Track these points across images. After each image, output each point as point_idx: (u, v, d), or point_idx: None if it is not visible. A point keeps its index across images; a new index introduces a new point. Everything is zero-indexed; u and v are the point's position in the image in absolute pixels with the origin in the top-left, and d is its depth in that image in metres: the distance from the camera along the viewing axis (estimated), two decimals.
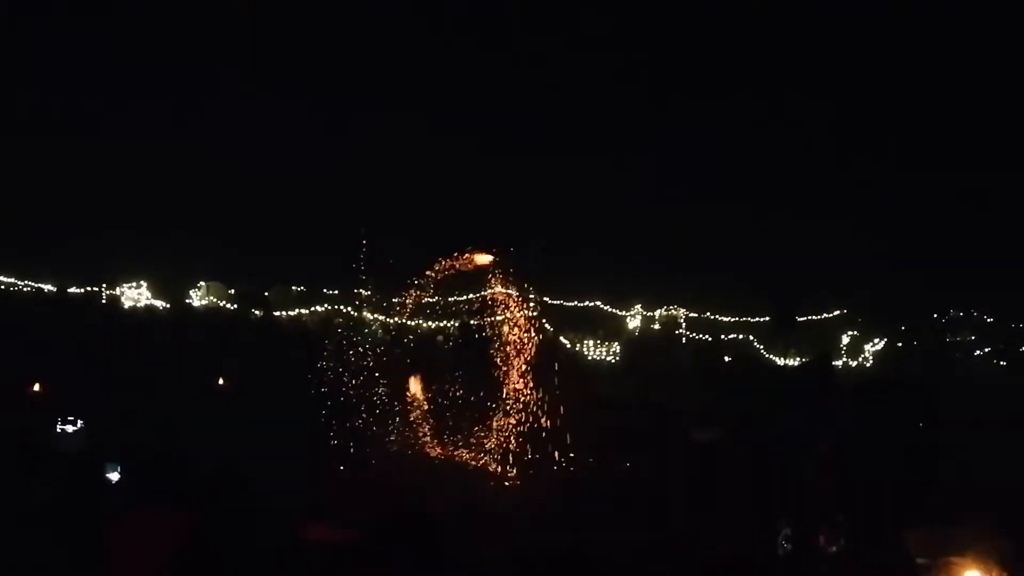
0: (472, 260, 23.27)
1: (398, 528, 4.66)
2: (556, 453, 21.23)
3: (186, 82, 50.29)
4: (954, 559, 8.17)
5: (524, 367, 22.15)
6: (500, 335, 22.55)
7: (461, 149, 54.18)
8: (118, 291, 48.00)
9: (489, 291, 23.17)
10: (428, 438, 21.28)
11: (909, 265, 50.30)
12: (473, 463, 21.07)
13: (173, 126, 47.99)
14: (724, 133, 57.70)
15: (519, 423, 21.67)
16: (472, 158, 54.43)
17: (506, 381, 22.14)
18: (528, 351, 22.67)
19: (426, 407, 21.54)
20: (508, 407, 21.98)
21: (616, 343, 54.20)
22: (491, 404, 21.92)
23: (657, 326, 56.05)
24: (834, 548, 11.71)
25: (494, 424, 21.61)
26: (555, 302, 53.25)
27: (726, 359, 51.29)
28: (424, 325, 22.46)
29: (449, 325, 22.94)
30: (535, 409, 21.69)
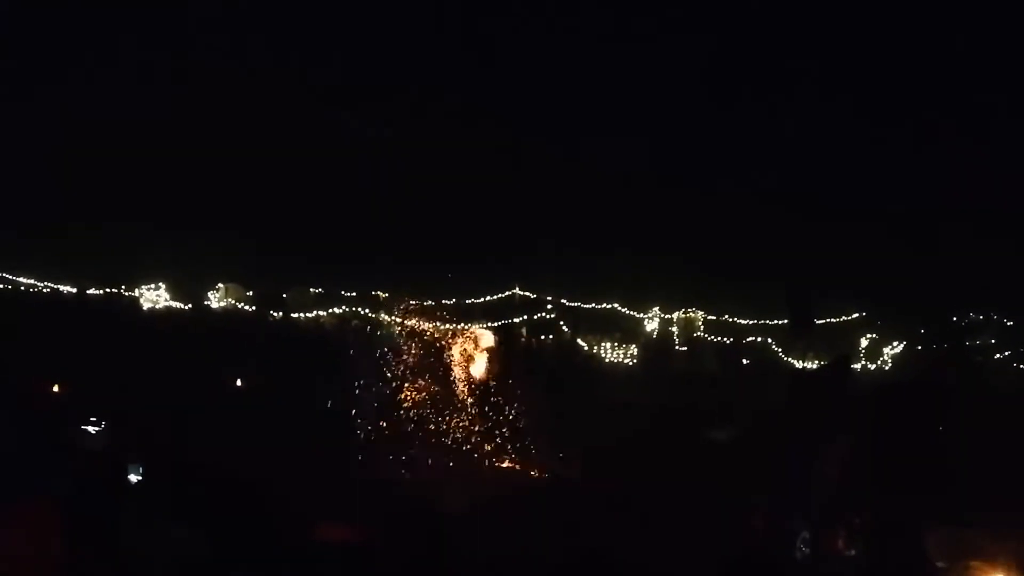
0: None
1: (410, 527, 4.67)
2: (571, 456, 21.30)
3: (203, 81, 50.28)
4: (973, 562, 8.14)
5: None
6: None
7: (480, 146, 54.09)
8: (137, 293, 48.20)
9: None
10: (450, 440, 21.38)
11: (928, 267, 49.99)
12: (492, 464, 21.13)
13: (189, 129, 48.00)
14: (742, 133, 57.50)
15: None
16: (493, 155, 54.31)
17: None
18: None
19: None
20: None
21: (634, 345, 54.05)
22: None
23: (675, 329, 55.84)
24: (852, 551, 11.66)
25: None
26: (573, 304, 53.31)
27: (744, 362, 51.16)
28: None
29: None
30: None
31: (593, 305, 53.63)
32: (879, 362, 54.46)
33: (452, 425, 21.51)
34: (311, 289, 52.31)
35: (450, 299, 48.62)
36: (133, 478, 9.71)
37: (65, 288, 46.30)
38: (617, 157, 55.15)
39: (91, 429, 13.47)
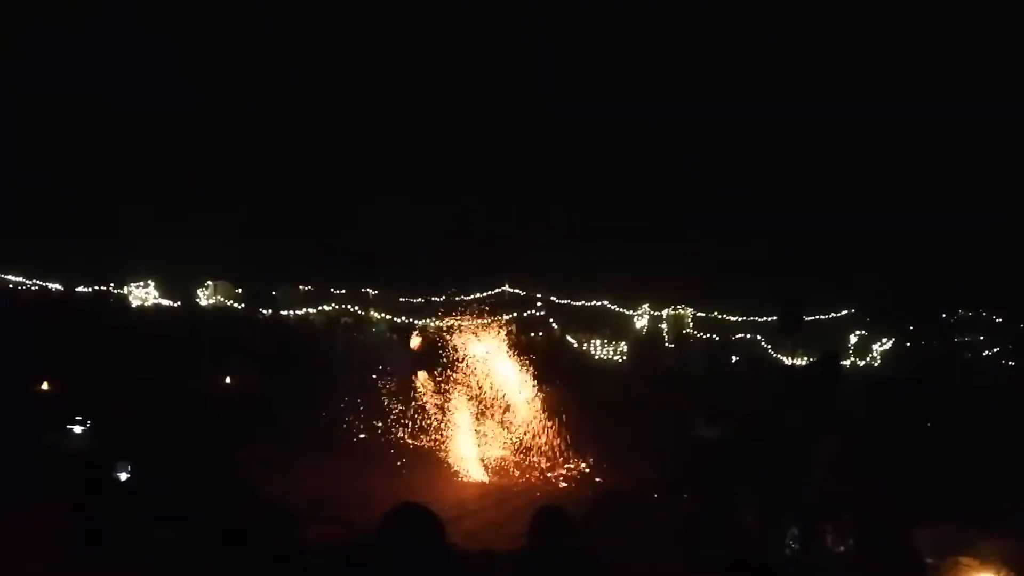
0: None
1: (403, 526, 4.63)
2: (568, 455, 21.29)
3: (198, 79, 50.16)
4: (963, 559, 8.14)
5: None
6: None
7: (472, 143, 54.14)
8: (126, 290, 48.07)
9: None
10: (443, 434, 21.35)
11: (917, 264, 50.17)
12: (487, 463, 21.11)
13: (178, 126, 47.88)
14: (734, 133, 57.61)
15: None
16: (484, 152, 54.36)
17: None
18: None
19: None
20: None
21: (623, 342, 54.16)
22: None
23: (664, 326, 55.98)
24: (842, 547, 11.69)
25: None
26: (562, 301, 53.36)
27: (734, 359, 51.28)
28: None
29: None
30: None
31: (583, 302, 53.75)
32: (868, 359, 54.67)
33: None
34: (300, 286, 52.31)
35: (439, 296, 48.70)
36: (122, 476, 9.66)
37: (53, 286, 46.13)
38: (609, 153, 55.23)
39: (77, 429, 13.37)
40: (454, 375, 21.67)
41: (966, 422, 17.31)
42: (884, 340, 55.92)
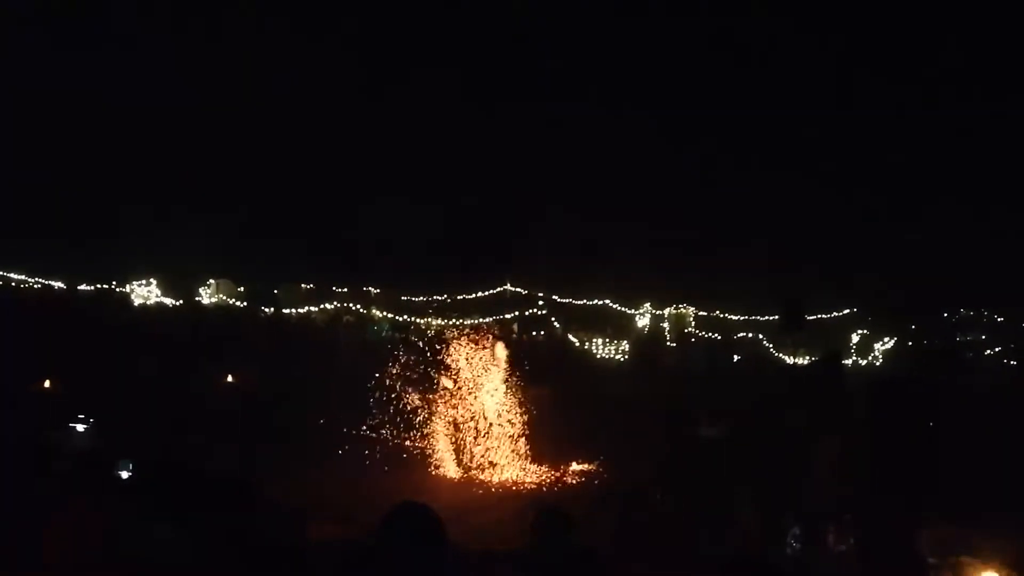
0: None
1: (404, 525, 4.62)
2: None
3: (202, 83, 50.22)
4: (965, 559, 8.14)
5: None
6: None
7: (471, 143, 54.18)
8: (128, 288, 48.03)
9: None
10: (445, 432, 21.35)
11: (917, 264, 50.14)
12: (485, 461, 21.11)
13: (180, 125, 47.95)
14: (734, 133, 57.63)
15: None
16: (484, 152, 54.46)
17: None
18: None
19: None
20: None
21: (625, 341, 54.05)
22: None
23: (666, 324, 55.88)
24: (842, 547, 11.70)
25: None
26: (564, 300, 53.29)
27: (735, 358, 51.20)
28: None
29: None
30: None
31: (584, 301, 53.64)
32: (870, 358, 54.54)
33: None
34: (302, 285, 52.20)
35: (441, 295, 48.66)
36: (124, 475, 9.67)
37: (56, 284, 46.11)
38: (609, 153, 55.28)
39: (79, 427, 13.40)
40: (454, 375, 21.69)
41: (967, 422, 17.29)
42: (885, 339, 55.81)
